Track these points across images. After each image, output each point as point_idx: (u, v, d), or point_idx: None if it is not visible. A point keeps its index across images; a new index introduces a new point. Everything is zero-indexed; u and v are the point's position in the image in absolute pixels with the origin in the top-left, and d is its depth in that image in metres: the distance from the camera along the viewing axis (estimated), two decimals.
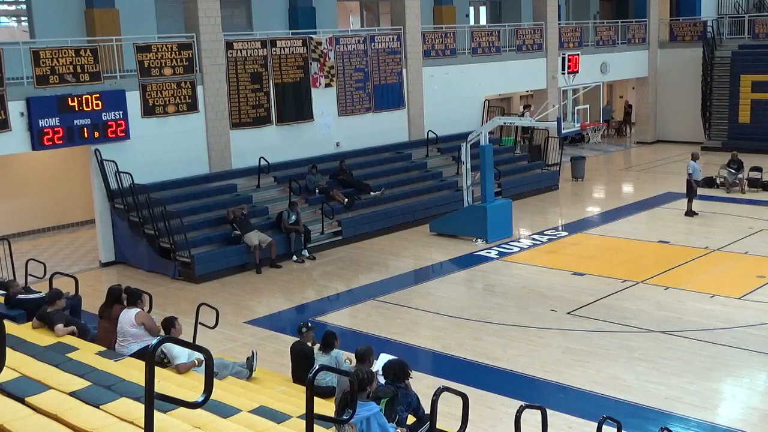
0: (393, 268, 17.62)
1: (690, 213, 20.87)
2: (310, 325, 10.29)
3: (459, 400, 7.43)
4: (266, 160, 20.05)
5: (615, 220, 21.24)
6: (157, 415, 5.36)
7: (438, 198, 21.86)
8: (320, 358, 9.41)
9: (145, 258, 17.79)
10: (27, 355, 8.03)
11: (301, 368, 9.60)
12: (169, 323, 9.53)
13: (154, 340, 5.17)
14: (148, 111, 18.35)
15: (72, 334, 9.65)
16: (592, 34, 31.23)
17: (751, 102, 30.60)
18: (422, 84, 24.46)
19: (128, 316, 9.85)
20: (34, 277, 13.61)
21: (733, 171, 24.00)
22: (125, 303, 10.17)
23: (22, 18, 20.68)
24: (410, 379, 7.82)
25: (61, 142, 16.93)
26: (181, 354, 8.90)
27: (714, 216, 21.07)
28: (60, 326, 9.58)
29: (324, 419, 6.41)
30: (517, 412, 7.63)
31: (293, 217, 18.35)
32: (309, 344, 10.04)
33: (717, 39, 32.44)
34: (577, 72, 19.52)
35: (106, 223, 18.27)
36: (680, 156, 28.36)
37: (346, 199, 20.17)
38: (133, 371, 7.79)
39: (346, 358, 9.49)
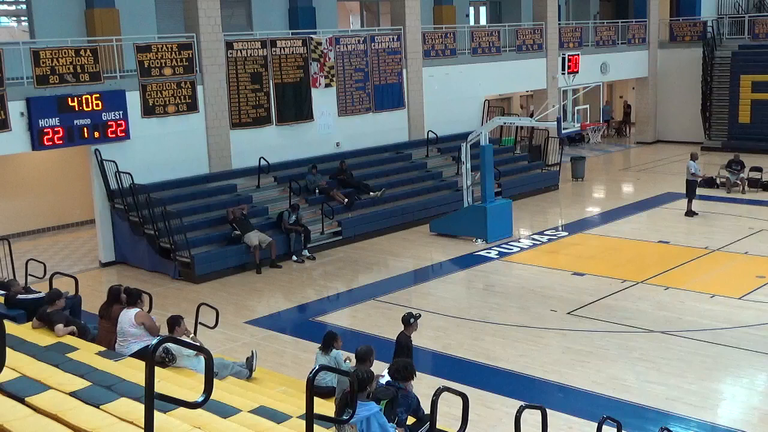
0: (393, 268, 17.62)
1: (690, 213, 20.87)
2: (416, 315, 9.86)
3: (459, 400, 7.43)
4: (266, 160, 20.04)
5: (615, 220, 21.24)
6: (157, 415, 5.36)
7: (438, 198, 21.86)
8: (320, 358, 9.41)
9: (145, 258, 17.79)
10: (27, 355, 8.02)
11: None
12: (175, 321, 9.51)
13: (154, 340, 5.17)
14: (148, 111, 18.35)
15: (72, 334, 9.64)
16: (592, 34, 31.23)
17: (751, 102, 30.60)
18: (422, 84, 24.46)
19: (128, 316, 9.85)
20: (34, 277, 13.60)
21: (735, 171, 24.00)
22: (125, 303, 10.17)
23: (22, 18, 20.69)
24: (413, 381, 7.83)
25: (61, 142, 16.93)
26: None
27: (714, 216, 21.07)
28: (60, 326, 9.57)
29: (324, 419, 6.41)
30: (517, 412, 7.63)
31: (293, 218, 18.35)
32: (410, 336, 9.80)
33: (717, 39, 32.43)
34: (577, 72, 19.50)
35: (106, 223, 18.27)
36: (680, 156, 28.36)
37: (346, 199, 20.17)
38: (133, 371, 7.78)
39: (346, 358, 9.48)
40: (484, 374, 11.80)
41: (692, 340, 12.83)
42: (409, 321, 9.70)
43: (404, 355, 9.40)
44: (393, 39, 23.63)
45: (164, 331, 9.70)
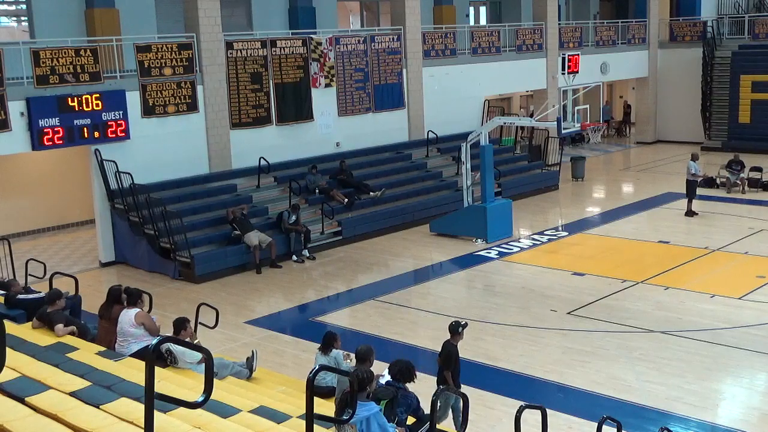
0: (393, 268, 17.62)
1: (690, 213, 20.87)
2: (463, 324, 9.76)
3: (459, 400, 7.43)
4: (266, 160, 20.04)
5: (615, 220, 21.24)
6: (157, 415, 5.36)
7: (438, 198, 21.85)
8: (320, 359, 9.40)
9: (145, 258, 17.79)
10: (27, 355, 8.02)
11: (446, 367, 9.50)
12: (180, 325, 9.49)
13: (154, 340, 5.17)
14: (148, 111, 18.35)
15: (72, 334, 9.64)
16: (592, 34, 31.23)
17: (751, 102, 30.59)
18: (422, 84, 24.46)
19: (128, 316, 9.85)
20: (34, 277, 13.59)
21: (735, 171, 23.99)
22: (125, 303, 10.16)
23: (22, 18, 20.69)
24: (413, 382, 7.83)
25: (61, 142, 16.93)
26: (189, 351, 8.89)
27: (714, 216, 21.07)
28: (60, 326, 9.57)
29: (324, 419, 6.41)
30: (517, 412, 7.63)
31: (293, 218, 18.35)
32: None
33: (717, 39, 32.43)
34: (577, 72, 19.49)
35: (106, 223, 18.27)
36: (680, 156, 28.36)
37: (346, 199, 20.17)
38: (133, 371, 7.78)
39: (346, 356, 9.46)
40: (484, 374, 11.80)
41: (692, 340, 12.84)
42: (457, 330, 9.63)
43: (452, 365, 9.46)
44: (393, 39, 23.63)
45: (170, 332, 9.67)
